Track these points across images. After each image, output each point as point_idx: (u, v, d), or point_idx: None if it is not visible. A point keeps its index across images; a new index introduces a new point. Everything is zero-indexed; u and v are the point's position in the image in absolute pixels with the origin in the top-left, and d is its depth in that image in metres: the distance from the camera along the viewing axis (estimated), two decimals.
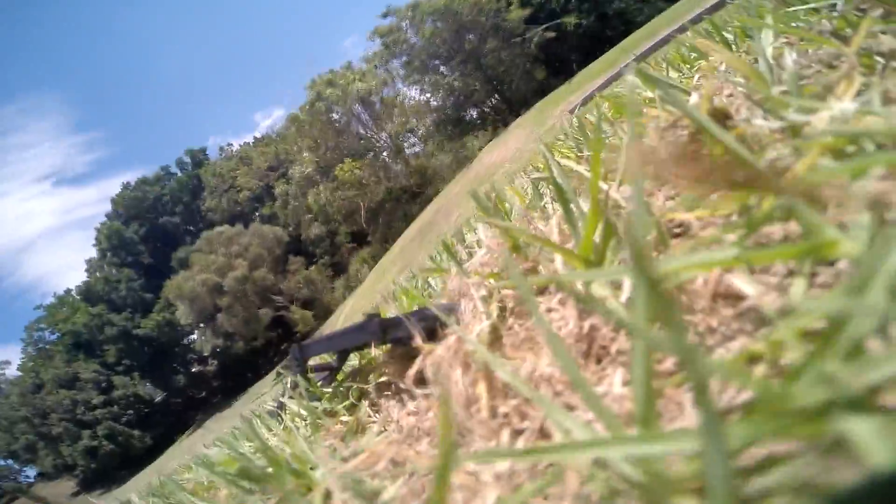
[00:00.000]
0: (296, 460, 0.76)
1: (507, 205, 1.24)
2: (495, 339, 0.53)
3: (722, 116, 0.53)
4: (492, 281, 0.59)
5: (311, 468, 0.73)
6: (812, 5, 0.88)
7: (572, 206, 0.52)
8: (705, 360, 0.22)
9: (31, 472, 41.59)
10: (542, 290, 0.60)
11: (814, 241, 0.25)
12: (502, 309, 0.59)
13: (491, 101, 34.13)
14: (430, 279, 1.12)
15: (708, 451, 0.17)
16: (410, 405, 0.71)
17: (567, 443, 0.30)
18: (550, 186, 0.92)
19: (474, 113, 34.81)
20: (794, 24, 0.83)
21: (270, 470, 0.74)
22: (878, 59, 0.57)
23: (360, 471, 0.61)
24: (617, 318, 0.23)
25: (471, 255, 0.97)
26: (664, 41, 11.77)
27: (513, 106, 31.68)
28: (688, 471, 0.21)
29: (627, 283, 0.41)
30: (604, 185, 0.48)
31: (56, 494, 38.85)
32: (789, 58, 0.51)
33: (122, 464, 35.33)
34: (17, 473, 41.81)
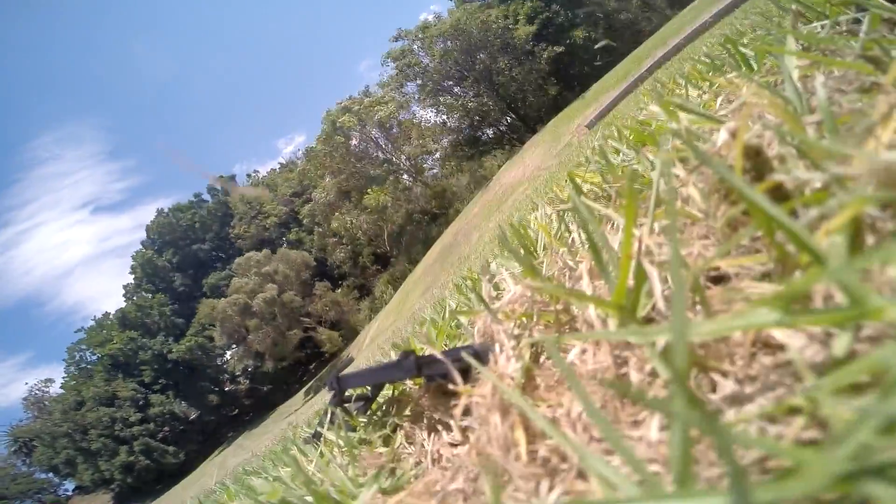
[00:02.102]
0: (336, 490, 0.78)
1: (531, 233, 1.25)
2: (529, 379, 0.54)
3: (754, 154, 0.53)
4: (524, 320, 0.61)
5: (351, 498, 0.74)
6: (835, 18, 0.86)
7: (602, 247, 0.53)
8: (737, 438, 0.23)
9: (69, 485, 43.03)
10: (575, 328, 0.60)
11: (859, 309, 0.26)
12: (535, 345, 0.60)
13: (506, 120, 34.39)
14: (462, 317, 1.15)
15: None
16: (445, 436, 0.72)
17: (604, 500, 0.31)
18: (576, 218, 0.94)
19: (490, 132, 35.12)
20: (817, 44, 0.82)
21: (311, 499, 0.75)
22: None
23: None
24: (652, 403, 0.24)
25: (497, 286, 0.98)
26: (676, 50, 11.74)
27: (528, 123, 31.84)
28: None
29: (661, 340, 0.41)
30: (635, 231, 0.49)
31: None
32: (819, 85, 0.51)
33: (157, 479, 36.17)
34: (56, 487, 43.35)
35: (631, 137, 1.30)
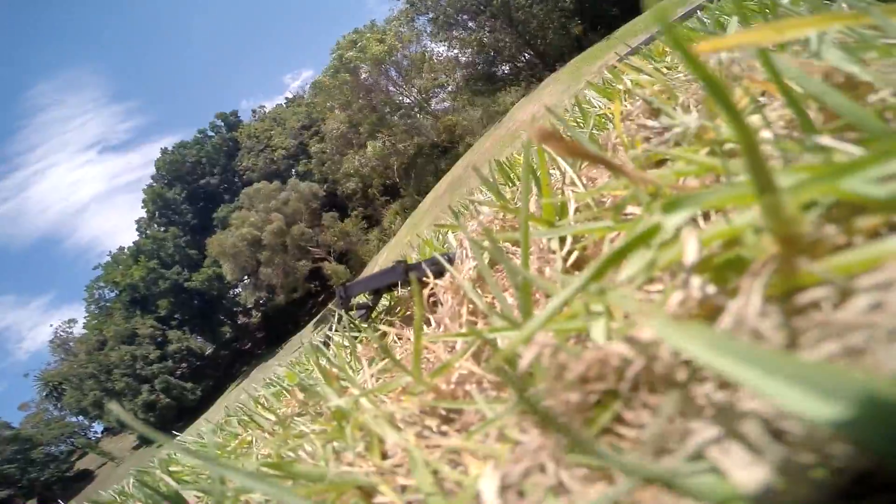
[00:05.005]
0: (336, 381, 0.99)
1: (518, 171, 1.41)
2: (482, 278, 0.72)
3: (657, 114, 0.68)
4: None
5: (350, 381, 0.96)
6: None
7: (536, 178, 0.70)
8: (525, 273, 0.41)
9: (98, 427, 44.98)
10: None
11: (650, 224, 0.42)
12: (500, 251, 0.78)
13: (524, 57, 32.86)
14: (449, 233, 1.33)
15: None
16: (427, 330, 0.92)
17: (483, 329, 0.49)
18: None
19: (506, 68, 33.67)
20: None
21: (322, 379, 0.97)
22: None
23: (384, 375, 0.83)
24: (509, 266, 0.42)
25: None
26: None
27: (547, 62, 30.48)
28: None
29: (569, 239, 0.59)
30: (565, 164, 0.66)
31: (120, 449, 41.61)
32: (713, 59, 0.65)
33: (178, 416, 36.80)
34: (87, 430, 45.36)
35: (615, 85, 1.42)
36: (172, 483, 0.73)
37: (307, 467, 0.53)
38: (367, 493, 0.44)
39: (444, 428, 0.44)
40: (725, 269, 0.27)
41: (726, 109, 0.21)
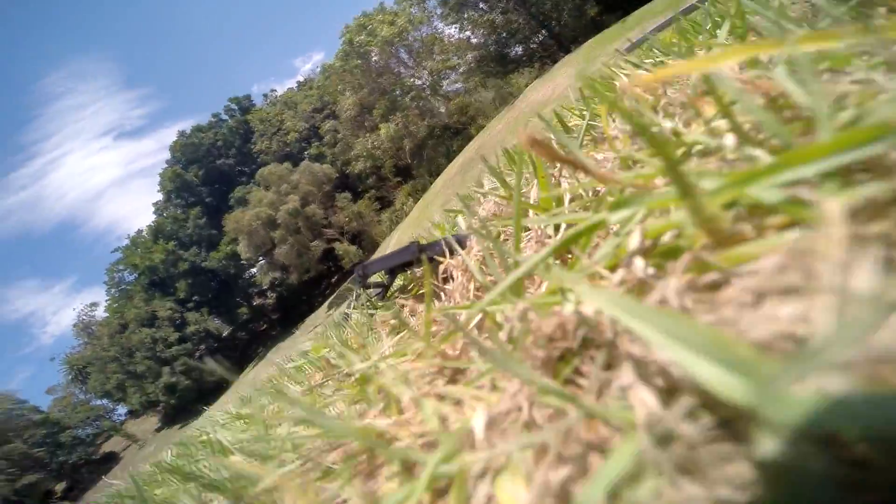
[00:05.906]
0: (360, 349, 1.09)
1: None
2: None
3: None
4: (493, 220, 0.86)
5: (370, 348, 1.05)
6: None
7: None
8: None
9: (121, 410, 46.29)
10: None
11: (598, 218, 0.49)
12: (498, 238, 0.86)
13: (537, 38, 32.26)
14: (459, 217, 1.41)
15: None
16: (436, 305, 1.00)
17: (478, 303, 0.58)
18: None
19: (519, 49, 33.13)
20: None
21: (343, 350, 1.07)
22: None
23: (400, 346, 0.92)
24: (501, 250, 0.50)
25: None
26: None
27: (562, 43, 29.92)
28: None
29: (563, 226, 0.67)
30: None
31: (143, 431, 42.86)
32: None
33: (198, 397, 37.12)
34: (111, 413, 46.77)
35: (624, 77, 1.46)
36: (224, 440, 0.84)
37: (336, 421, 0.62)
38: (388, 440, 0.54)
39: (451, 386, 0.53)
40: (665, 255, 0.35)
41: (644, 134, 0.28)
